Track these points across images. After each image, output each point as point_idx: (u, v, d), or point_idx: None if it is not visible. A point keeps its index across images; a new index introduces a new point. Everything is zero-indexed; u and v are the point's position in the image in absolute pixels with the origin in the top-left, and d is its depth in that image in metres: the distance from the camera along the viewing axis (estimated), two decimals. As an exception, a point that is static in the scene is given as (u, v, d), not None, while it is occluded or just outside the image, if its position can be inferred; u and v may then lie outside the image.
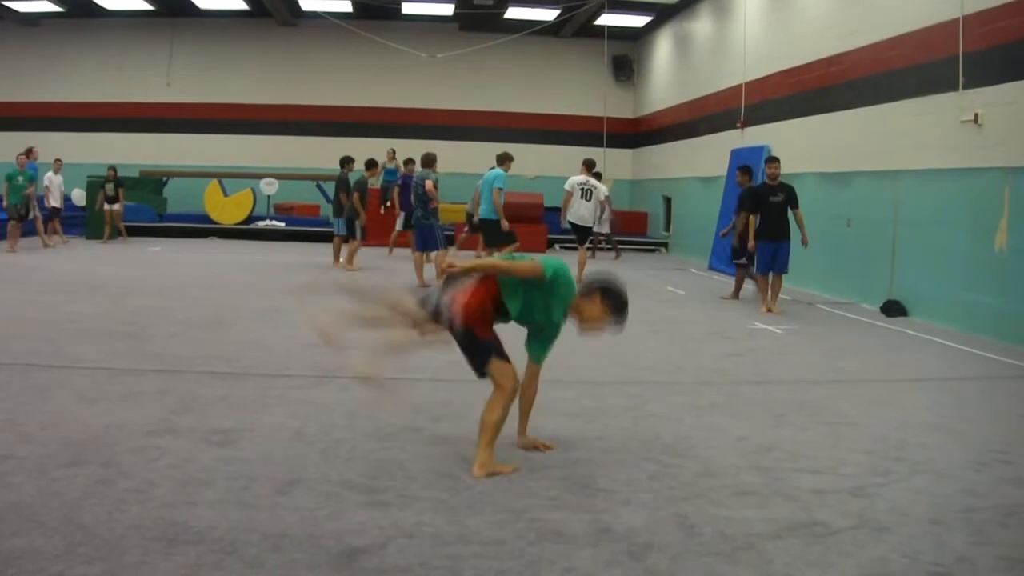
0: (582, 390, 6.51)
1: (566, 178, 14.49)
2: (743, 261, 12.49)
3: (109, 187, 18.68)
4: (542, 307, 4.56)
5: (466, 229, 16.68)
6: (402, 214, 16.43)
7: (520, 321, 4.66)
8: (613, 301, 4.56)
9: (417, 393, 6.23)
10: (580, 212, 14.09)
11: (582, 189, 14.13)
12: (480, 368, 4.50)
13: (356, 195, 14.62)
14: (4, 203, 16.58)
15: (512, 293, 4.52)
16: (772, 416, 5.97)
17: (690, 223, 20.61)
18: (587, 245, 14.66)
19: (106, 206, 18.69)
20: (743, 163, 13.40)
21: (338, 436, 5.06)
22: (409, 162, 16.56)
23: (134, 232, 20.10)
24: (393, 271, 14.31)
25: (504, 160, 13.25)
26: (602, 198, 14.54)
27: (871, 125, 12.40)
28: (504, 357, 4.49)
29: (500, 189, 12.91)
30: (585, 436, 5.26)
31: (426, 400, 6.01)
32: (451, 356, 7.63)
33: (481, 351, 4.48)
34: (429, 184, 12.44)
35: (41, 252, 16.17)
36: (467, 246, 16.55)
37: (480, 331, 4.48)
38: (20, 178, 16.49)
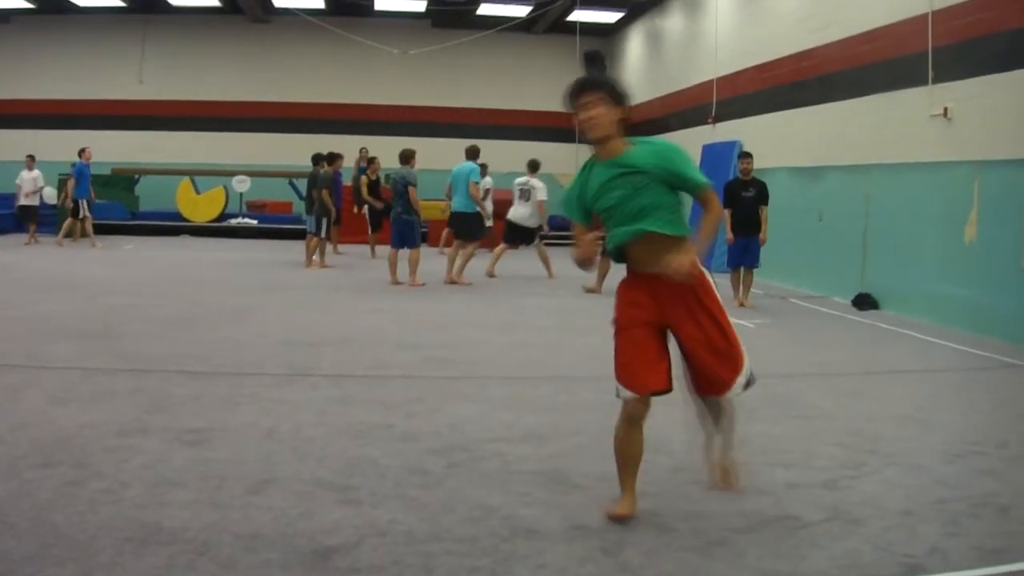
0: (556, 385, 6.51)
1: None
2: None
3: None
4: None
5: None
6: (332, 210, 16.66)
7: None
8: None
9: (388, 390, 6.22)
10: (516, 212, 14.03)
11: (520, 189, 14.10)
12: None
13: (324, 191, 14.50)
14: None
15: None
16: (745, 410, 5.95)
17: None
18: (535, 242, 14.23)
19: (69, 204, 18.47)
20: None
21: (310, 434, 5.04)
22: (338, 157, 16.11)
23: (106, 230, 19.87)
24: (350, 266, 14.24)
25: (474, 154, 13.31)
26: (539, 197, 13.98)
27: (842, 120, 12.47)
28: None
29: (477, 183, 12.97)
30: (559, 432, 5.26)
31: (397, 397, 5.99)
32: (427, 352, 7.67)
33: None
34: (413, 193, 12.33)
35: (12, 250, 15.99)
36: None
37: None
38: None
